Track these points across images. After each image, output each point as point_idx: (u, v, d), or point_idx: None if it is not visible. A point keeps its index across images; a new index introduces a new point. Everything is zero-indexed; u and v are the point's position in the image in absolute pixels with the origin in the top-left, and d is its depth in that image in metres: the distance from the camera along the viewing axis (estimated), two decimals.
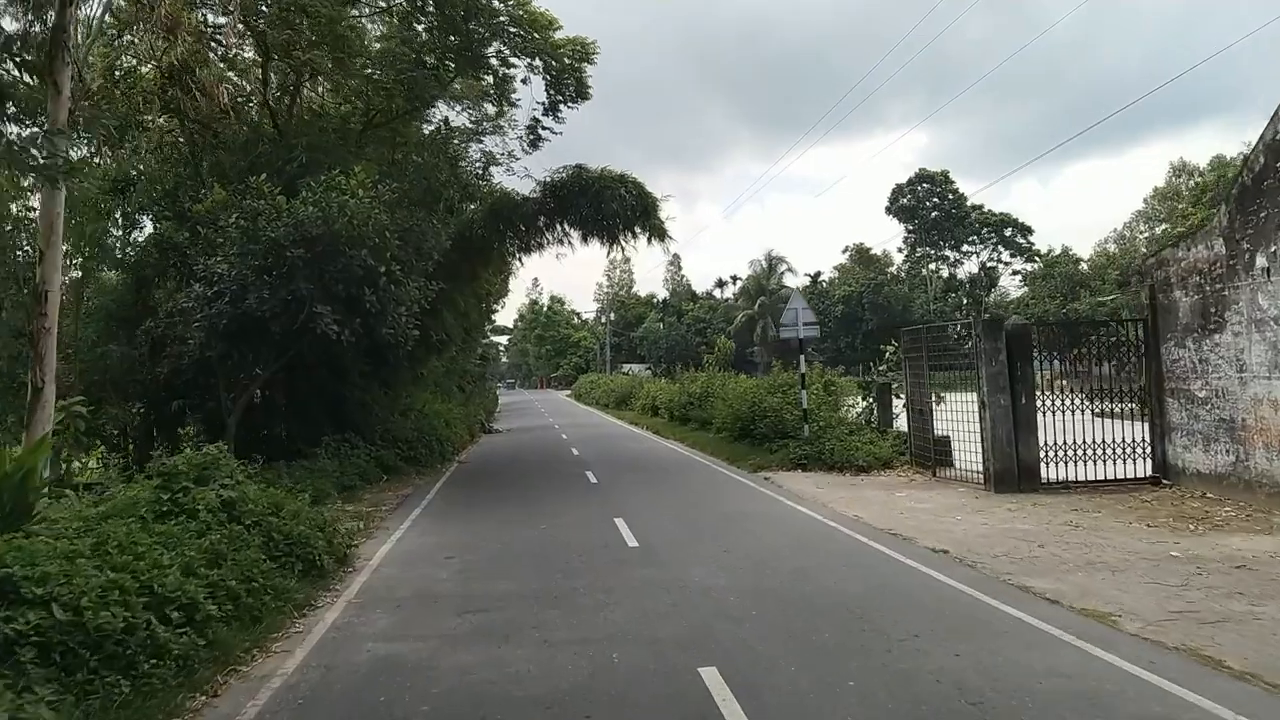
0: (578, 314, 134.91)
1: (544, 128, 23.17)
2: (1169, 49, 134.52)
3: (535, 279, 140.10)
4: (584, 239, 23.52)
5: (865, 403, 21.75)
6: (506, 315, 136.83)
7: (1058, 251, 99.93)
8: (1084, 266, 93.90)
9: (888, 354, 22.37)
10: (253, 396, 20.09)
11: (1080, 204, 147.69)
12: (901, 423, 20.60)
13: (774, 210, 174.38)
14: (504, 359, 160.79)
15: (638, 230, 22.91)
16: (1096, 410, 16.48)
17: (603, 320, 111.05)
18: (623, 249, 23.44)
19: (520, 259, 25.53)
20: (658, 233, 22.94)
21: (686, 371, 40.65)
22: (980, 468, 16.09)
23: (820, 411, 21.39)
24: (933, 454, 17.49)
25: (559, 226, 23.53)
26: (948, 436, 17.60)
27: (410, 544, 12.62)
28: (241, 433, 21.68)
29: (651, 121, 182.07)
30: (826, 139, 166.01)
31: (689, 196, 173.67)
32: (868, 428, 20.83)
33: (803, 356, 21.43)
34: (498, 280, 31.72)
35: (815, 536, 12.01)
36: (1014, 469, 15.55)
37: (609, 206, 22.06)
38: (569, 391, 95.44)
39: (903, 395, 21.12)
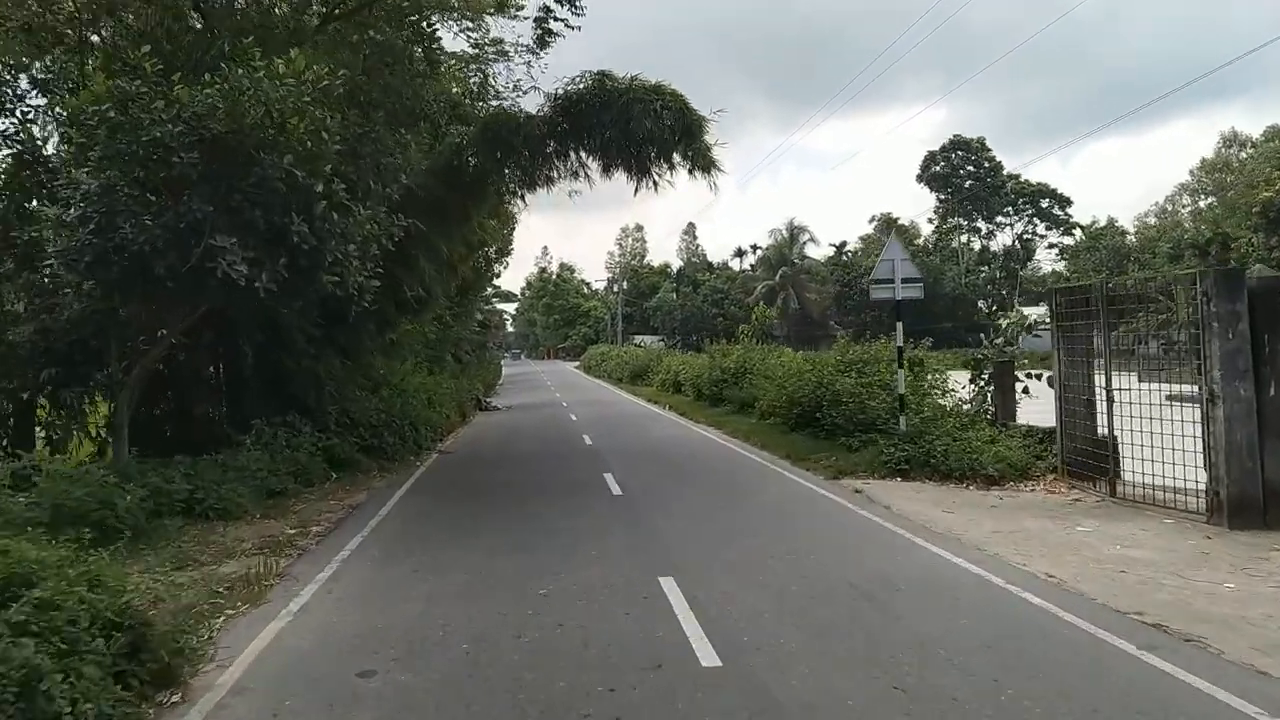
0: (587, 284, 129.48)
1: (556, 19, 17.70)
2: (1191, 27, 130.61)
3: (545, 247, 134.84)
4: (606, 170, 18.09)
5: (976, 387, 16.39)
6: (513, 281, 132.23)
7: (1101, 224, 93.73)
8: (1130, 239, 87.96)
9: (1004, 323, 17.05)
10: (156, 366, 14.87)
11: (1101, 182, 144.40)
12: (1031, 414, 15.33)
13: (788, 185, 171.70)
14: (510, 328, 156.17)
15: (677, 158, 17.44)
16: None
17: (614, 289, 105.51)
18: (655, 183, 18.00)
19: (523, 197, 20.09)
20: (703, 162, 17.43)
21: (712, 343, 35.23)
22: (1180, 484, 10.81)
23: (920, 399, 16.11)
24: (1111, 462, 12.17)
25: (573, 154, 18.09)
26: (1114, 438, 12.31)
27: (313, 627, 7.31)
28: (155, 413, 16.63)
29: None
30: (843, 113, 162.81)
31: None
32: (984, 421, 15.51)
33: (900, 324, 16.07)
34: (497, 231, 26.34)
35: (1038, 641, 6.53)
36: (1258, 494, 10.24)
37: (640, 126, 16.55)
38: (577, 363, 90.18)
39: (1021, 378, 15.90)
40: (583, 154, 18.05)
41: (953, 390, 17.06)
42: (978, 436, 14.54)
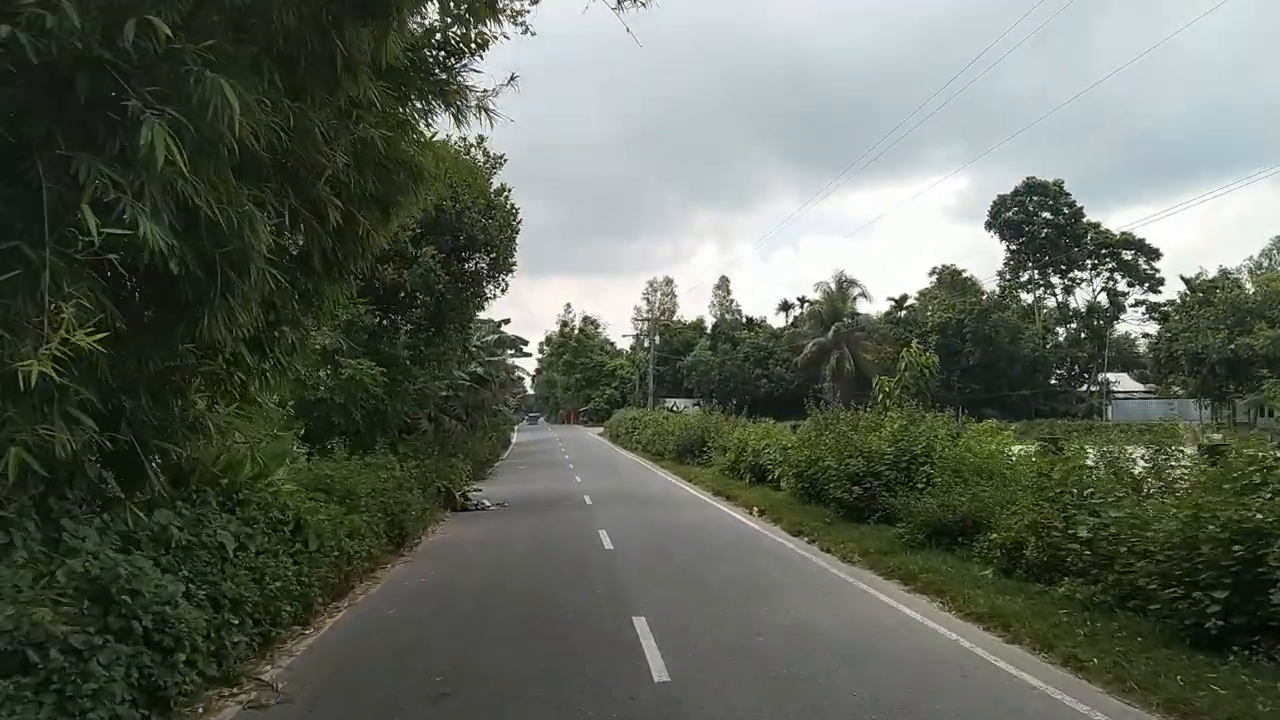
0: (611, 344, 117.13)
1: None
2: (1217, 100, 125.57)
3: (568, 304, 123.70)
4: None
5: None
6: (528, 328, 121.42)
7: (1209, 276, 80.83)
8: (1250, 290, 74.95)
9: None
10: None
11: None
12: None
13: (811, 254, 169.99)
14: (530, 389, 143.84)
15: None
16: None
17: (645, 344, 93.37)
18: None
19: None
20: None
21: (820, 408, 22.78)
22: None
23: None
24: None
25: None
26: None
27: None
28: None
29: (690, 161, 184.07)
30: (868, 182, 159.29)
31: (728, 236, 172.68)
32: None
33: None
34: (454, 160, 13.67)
35: None
36: None
37: None
38: (601, 429, 77.66)
39: None
40: None
41: None
42: None
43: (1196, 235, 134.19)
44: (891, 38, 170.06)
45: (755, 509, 19.62)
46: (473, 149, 22.32)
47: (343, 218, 8.73)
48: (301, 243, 9.09)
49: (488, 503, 21.99)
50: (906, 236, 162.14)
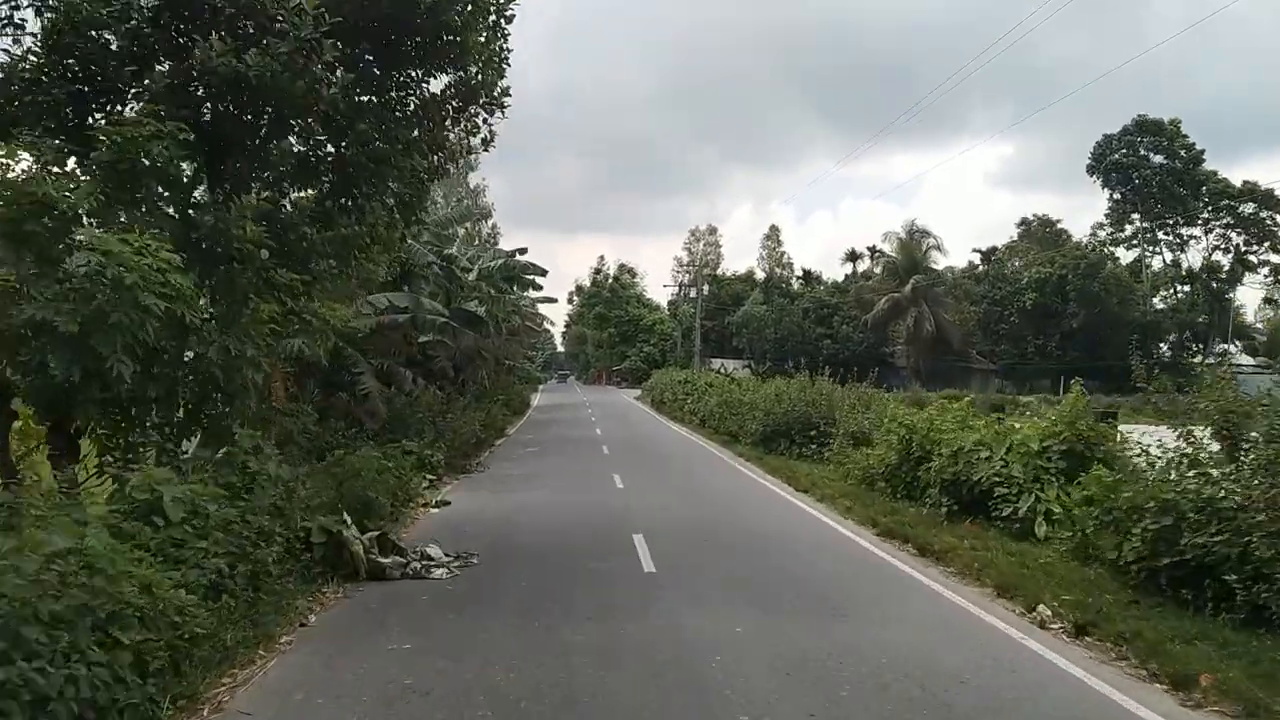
0: (649, 299, 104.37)
1: None
2: (1272, 68, 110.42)
3: (601, 256, 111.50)
4: None
5: None
6: (560, 288, 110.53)
7: None
8: None
9: None
10: None
11: None
12: None
13: (848, 216, 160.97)
14: (560, 346, 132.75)
15: None
16: None
17: (690, 295, 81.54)
18: None
19: None
20: None
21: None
22: None
23: None
24: None
25: None
26: None
27: None
28: None
29: (729, 119, 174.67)
30: (910, 145, 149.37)
31: (764, 196, 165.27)
32: None
33: None
34: None
35: None
36: None
37: None
38: (639, 393, 66.22)
39: None
40: None
41: None
42: None
43: None
44: None
45: (1065, 616, 8.14)
46: None
47: None
48: None
49: (436, 555, 10.63)
50: (947, 202, 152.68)
